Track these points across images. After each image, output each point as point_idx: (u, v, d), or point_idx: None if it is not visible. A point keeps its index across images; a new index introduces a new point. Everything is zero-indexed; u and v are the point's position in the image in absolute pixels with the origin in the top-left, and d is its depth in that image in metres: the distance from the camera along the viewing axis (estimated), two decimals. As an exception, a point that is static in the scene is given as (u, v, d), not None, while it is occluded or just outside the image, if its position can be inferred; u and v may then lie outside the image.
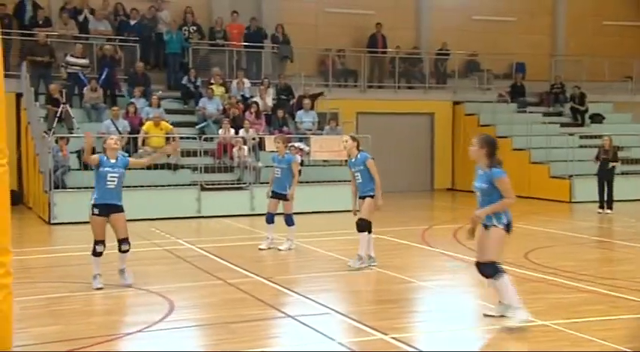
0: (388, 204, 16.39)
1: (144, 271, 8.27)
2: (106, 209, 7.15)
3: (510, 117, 19.61)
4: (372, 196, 8.31)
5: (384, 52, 20.17)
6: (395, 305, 6.78)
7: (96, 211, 7.13)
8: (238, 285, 7.51)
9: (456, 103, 20.59)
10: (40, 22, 16.27)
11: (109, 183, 7.12)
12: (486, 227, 5.75)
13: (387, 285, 7.65)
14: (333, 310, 6.52)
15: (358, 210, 8.44)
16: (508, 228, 5.71)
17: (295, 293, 7.24)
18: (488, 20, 22.00)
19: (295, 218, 9.95)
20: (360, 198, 8.39)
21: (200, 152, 14.67)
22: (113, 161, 7.21)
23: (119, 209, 7.21)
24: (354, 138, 8.51)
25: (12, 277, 4.00)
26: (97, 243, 7.18)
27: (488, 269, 5.73)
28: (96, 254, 7.19)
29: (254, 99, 16.82)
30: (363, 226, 8.27)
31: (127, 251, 7.26)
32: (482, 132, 6.03)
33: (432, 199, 19.20)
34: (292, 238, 9.89)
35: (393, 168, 19.35)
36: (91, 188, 7.46)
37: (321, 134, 16.28)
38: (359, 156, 8.36)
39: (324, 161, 15.78)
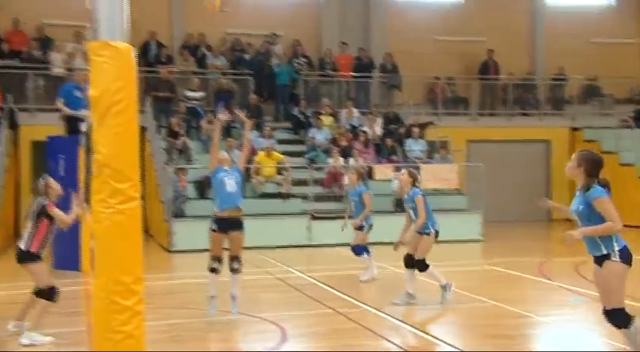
0: (501, 236, 16.07)
1: (257, 298, 8.53)
2: (226, 225, 7.25)
3: (635, 144, 18.59)
4: (428, 234, 8.12)
5: (497, 79, 19.82)
6: (511, 341, 6.58)
7: (215, 227, 7.29)
8: (348, 315, 7.58)
9: (574, 130, 19.81)
10: (163, 60, 17.38)
11: (228, 186, 7.33)
12: (598, 261, 4.92)
13: (501, 319, 7.45)
14: (445, 343, 6.43)
15: (401, 243, 8.27)
16: (624, 258, 4.82)
17: (406, 324, 7.20)
18: (608, 43, 21.10)
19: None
20: (418, 233, 8.19)
21: (310, 181, 15.02)
22: (228, 169, 7.48)
23: (239, 225, 7.30)
24: (410, 174, 8.32)
25: (144, 304, 4.29)
26: (213, 258, 7.30)
27: (617, 319, 4.91)
28: (212, 270, 7.29)
29: (363, 128, 17.03)
30: (420, 266, 8.11)
31: (237, 270, 7.30)
32: (585, 148, 5.28)
33: (549, 230, 18.46)
34: (369, 266, 9.82)
35: (506, 197, 18.84)
36: (208, 217, 7.71)
37: (431, 162, 16.17)
38: (411, 192, 8.18)
39: (435, 190, 15.62)
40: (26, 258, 6.51)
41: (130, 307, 4.18)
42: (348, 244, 13.75)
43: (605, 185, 4.92)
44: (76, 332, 6.85)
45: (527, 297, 8.89)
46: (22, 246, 6.54)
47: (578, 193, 4.99)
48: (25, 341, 6.36)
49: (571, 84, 20.33)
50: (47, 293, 6.51)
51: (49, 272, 6.90)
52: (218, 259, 7.30)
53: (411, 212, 8.22)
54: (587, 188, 4.89)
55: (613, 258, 4.82)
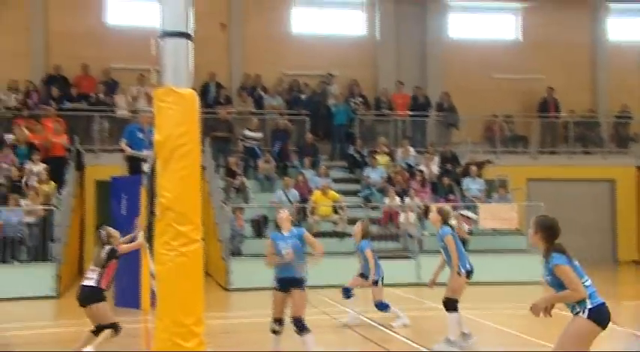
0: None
1: (315, 340, 8.46)
2: (287, 283, 7.15)
3: None
4: (458, 273, 7.83)
5: (557, 117, 19.50)
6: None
7: (276, 285, 7.20)
8: (407, 358, 7.45)
9: (640, 169, 19.23)
10: (222, 101, 17.84)
11: (284, 256, 7.15)
12: (574, 314, 4.82)
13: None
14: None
15: (434, 283, 8.07)
16: (595, 316, 4.67)
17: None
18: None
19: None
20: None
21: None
22: (286, 233, 7.28)
23: (299, 284, 7.13)
24: (439, 211, 8.06)
25: (204, 346, 4.34)
26: (274, 320, 7.17)
27: None
28: (273, 331, 7.17)
29: (419, 167, 16.97)
30: (448, 305, 7.83)
31: (302, 332, 7.06)
32: (542, 214, 5.21)
33: (615, 272, 17.78)
34: (400, 315, 9.50)
35: (568, 238, 17.92)
36: (265, 255, 7.72)
37: (490, 202, 15.92)
38: (441, 231, 7.91)
39: (494, 229, 15.35)
40: (95, 294, 6.97)
41: (191, 349, 4.24)
42: (404, 285, 13.62)
43: (560, 250, 4.84)
44: (135, 371, 6.97)
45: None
46: (92, 283, 7.00)
47: (543, 262, 4.90)
48: None
49: (636, 121, 19.79)
50: (110, 328, 6.98)
51: (110, 311, 7.24)
52: (279, 321, 7.13)
53: (442, 251, 8.00)
54: (547, 255, 4.83)
55: (582, 315, 4.69)
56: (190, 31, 4.61)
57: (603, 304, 4.72)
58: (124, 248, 7.11)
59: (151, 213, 5.22)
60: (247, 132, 17.03)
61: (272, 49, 19.04)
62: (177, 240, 4.28)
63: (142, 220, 10.20)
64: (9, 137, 15.12)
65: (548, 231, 4.93)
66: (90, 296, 6.93)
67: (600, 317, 4.66)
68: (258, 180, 16.30)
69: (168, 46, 4.55)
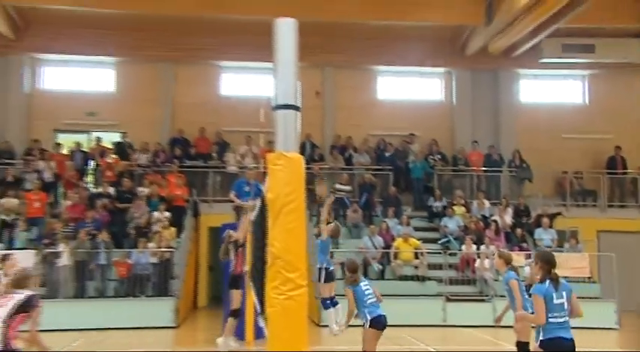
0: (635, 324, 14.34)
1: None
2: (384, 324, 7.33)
3: None
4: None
5: (624, 173, 18.53)
6: None
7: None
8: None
9: None
10: (316, 158, 18.17)
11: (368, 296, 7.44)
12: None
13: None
14: None
15: (499, 320, 7.70)
16: (545, 348, 5.06)
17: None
18: None
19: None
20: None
21: (445, 265, 14.67)
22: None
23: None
24: (500, 255, 7.71)
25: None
26: None
27: None
28: None
29: (493, 217, 16.51)
30: (520, 348, 7.42)
31: None
32: (541, 250, 5.68)
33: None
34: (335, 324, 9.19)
35: (638, 289, 17.09)
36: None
37: (562, 251, 15.20)
38: (505, 275, 7.51)
39: (566, 278, 14.57)
40: (231, 280, 9.30)
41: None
42: (480, 326, 13.10)
43: (551, 279, 5.21)
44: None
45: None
46: (230, 271, 9.28)
47: None
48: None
49: None
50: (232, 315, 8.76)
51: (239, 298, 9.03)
52: None
53: (507, 295, 7.62)
54: (539, 282, 5.25)
55: (536, 343, 5.20)
56: (298, 104, 4.81)
57: (558, 338, 5.09)
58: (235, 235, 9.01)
59: (260, 260, 5.36)
60: (338, 186, 17.15)
61: (360, 112, 19.30)
62: (285, 286, 4.37)
63: (247, 261, 10.48)
64: (142, 190, 15.96)
65: (543, 261, 5.34)
66: (229, 283, 8.98)
67: (549, 348, 5.07)
68: (346, 228, 16.32)
69: (279, 116, 4.76)
